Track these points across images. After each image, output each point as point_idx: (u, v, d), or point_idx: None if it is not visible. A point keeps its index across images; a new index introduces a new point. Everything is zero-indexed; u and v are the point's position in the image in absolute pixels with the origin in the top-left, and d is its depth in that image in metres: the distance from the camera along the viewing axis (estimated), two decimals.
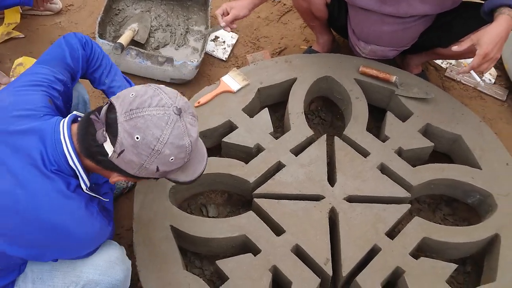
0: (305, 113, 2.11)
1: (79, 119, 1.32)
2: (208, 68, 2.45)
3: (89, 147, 1.23)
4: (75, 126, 1.29)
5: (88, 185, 1.32)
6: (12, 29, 2.46)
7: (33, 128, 1.26)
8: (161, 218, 1.76)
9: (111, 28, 2.40)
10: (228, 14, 2.04)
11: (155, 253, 1.69)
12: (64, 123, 1.28)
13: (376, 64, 2.19)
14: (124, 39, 2.21)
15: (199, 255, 1.93)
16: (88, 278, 1.41)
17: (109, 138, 1.19)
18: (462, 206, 2.04)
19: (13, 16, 2.47)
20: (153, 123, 1.17)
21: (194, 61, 2.27)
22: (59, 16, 2.58)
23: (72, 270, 1.42)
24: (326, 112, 2.33)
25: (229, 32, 2.10)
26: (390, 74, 2.11)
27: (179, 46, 2.45)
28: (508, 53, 2.41)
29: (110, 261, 1.44)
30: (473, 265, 1.90)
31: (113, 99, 1.22)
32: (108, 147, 1.20)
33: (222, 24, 2.04)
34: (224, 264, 1.69)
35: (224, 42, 2.53)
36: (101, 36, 2.26)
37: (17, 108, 1.30)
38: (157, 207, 1.79)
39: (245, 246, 1.77)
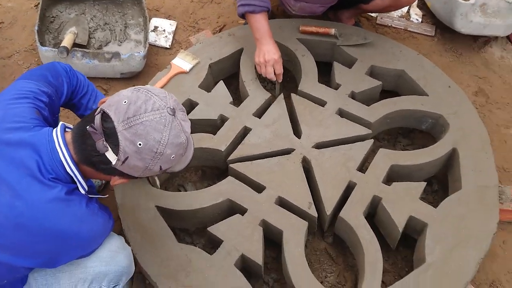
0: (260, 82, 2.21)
1: (67, 129, 1.33)
2: (154, 58, 2.48)
3: (89, 157, 1.26)
4: (68, 135, 1.30)
5: (87, 189, 1.34)
6: None
7: (25, 139, 1.26)
8: (145, 201, 1.80)
9: (49, 36, 2.39)
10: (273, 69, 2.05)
11: (147, 235, 1.73)
12: (57, 132, 1.29)
13: (314, 22, 2.30)
14: (66, 42, 2.21)
15: (187, 231, 1.98)
16: (95, 271, 1.44)
17: (111, 148, 1.22)
18: (418, 134, 2.21)
19: None
20: (152, 127, 1.21)
21: (140, 51, 2.30)
22: None
23: (77, 268, 1.44)
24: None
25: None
26: (329, 27, 2.23)
27: (121, 42, 2.47)
28: None
29: (113, 250, 1.47)
30: (439, 184, 2.06)
31: (105, 107, 1.24)
32: (110, 156, 1.23)
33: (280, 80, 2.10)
34: (216, 229, 1.75)
35: (164, 30, 2.58)
36: (42, 44, 2.24)
37: (7, 121, 1.30)
38: (139, 192, 1.82)
39: (231, 210, 1.84)
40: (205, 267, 1.67)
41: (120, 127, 1.20)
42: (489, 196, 1.80)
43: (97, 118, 1.23)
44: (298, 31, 2.27)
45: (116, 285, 1.48)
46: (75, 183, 1.31)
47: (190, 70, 2.15)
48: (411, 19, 2.65)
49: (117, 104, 1.23)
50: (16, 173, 1.23)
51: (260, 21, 2.00)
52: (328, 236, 1.96)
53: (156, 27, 2.58)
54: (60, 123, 1.35)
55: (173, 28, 2.60)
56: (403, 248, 1.92)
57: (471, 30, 2.44)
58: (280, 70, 2.05)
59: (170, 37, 2.56)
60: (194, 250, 1.71)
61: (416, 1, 2.72)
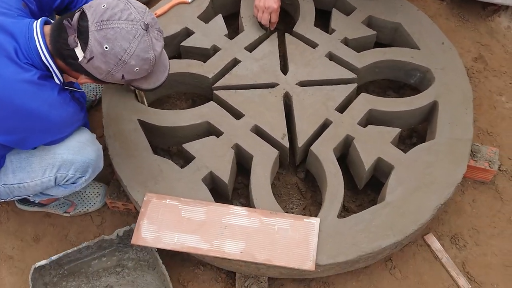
0: (261, 25, 2.26)
1: (48, 23, 1.42)
2: None
3: (60, 49, 1.35)
4: (47, 28, 1.39)
5: (62, 80, 1.44)
6: None
7: (6, 25, 1.36)
8: (129, 114, 1.90)
9: None
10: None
11: (125, 144, 1.84)
12: (37, 23, 1.39)
13: None
14: None
15: (168, 152, 2.08)
16: (63, 158, 1.54)
17: (80, 44, 1.31)
18: (408, 91, 2.22)
19: None
20: (121, 35, 1.30)
21: None
22: None
23: (47, 153, 1.55)
24: (280, 22, 2.43)
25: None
26: None
27: None
28: None
29: (82, 142, 1.57)
30: (418, 138, 2.09)
31: (85, 7, 1.33)
32: (78, 52, 1.32)
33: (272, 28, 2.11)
34: (190, 146, 1.84)
35: None
36: None
37: None
38: (124, 105, 1.92)
39: (208, 134, 1.92)
40: (174, 179, 1.77)
41: (93, 27, 1.29)
42: (460, 149, 1.83)
43: (76, 16, 1.32)
44: None
45: (82, 176, 1.59)
46: (50, 72, 1.41)
47: (192, 1, 2.21)
48: None
49: (96, 6, 1.31)
50: None
51: None
52: (301, 172, 2.02)
53: None
54: (43, 17, 1.44)
55: None
56: (371, 192, 1.97)
57: None
58: (275, 19, 2.06)
59: None
60: (167, 162, 1.81)
61: None
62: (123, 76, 1.38)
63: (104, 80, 1.41)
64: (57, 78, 1.42)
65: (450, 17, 2.53)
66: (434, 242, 1.89)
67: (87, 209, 1.94)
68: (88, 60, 1.32)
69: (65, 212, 1.94)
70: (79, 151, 1.55)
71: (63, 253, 1.72)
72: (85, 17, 1.31)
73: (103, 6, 1.31)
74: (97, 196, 1.94)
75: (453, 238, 1.91)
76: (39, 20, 1.41)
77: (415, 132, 2.13)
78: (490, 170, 1.94)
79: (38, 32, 1.37)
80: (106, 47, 1.30)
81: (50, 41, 1.37)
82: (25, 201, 1.91)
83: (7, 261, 1.87)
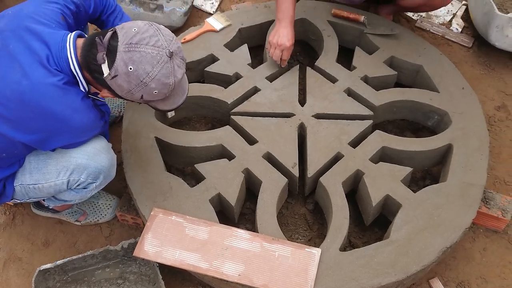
0: None
1: (81, 37, 1.52)
2: (197, 20, 2.66)
3: (89, 63, 1.44)
4: (80, 41, 1.49)
5: (87, 89, 1.52)
6: None
7: (44, 34, 1.46)
8: (147, 131, 1.97)
9: None
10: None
11: (140, 159, 1.90)
12: (71, 35, 1.49)
13: (349, 8, 2.38)
14: None
15: (183, 172, 2.12)
16: (77, 162, 1.61)
17: (107, 62, 1.40)
18: (426, 133, 2.22)
19: None
20: (146, 59, 1.39)
21: (182, 8, 2.49)
22: None
23: (63, 156, 1.62)
24: (305, 56, 2.53)
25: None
26: (359, 14, 2.31)
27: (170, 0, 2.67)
28: (473, 3, 2.60)
29: (97, 148, 1.64)
30: (432, 180, 2.07)
31: (118, 28, 1.43)
32: (105, 68, 1.41)
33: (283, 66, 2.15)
34: (202, 167, 1.88)
35: None
36: None
37: (36, 14, 1.51)
38: (144, 122, 1.99)
39: (222, 156, 1.96)
40: (183, 197, 1.80)
41: (122, 48, 1.38)
42: (471, 194, 1.80)
43: (108, 34, 1.41)
44: (330, 14, 2.36)
45: (93, 182, 1.65)
46: (77, 80, 1.49)
47: (220, 30, 2.30)
48: (451, 27, 2.66)
49: (128, 29, 1.41)
50: (29, 57, 1.42)
51: (287, 3, 2.06)
52: (310, 203, 2.03)
53: None
54: (77, 31, 1.54)
55: None
56: (379, 230, 1.95)
57: (506, 46, 2.41)
58: (286, 56, 2.09)
59: (216, 4, 2.73)
60: (177, 180, 1.85)
61: (462, 12, 2.73)
62: (142, 96, 1.45)
63: (123, 97, 1.49)
64: (82, 86, 1.50)
65: (476, 65, 2.53)
66: (439, 287, 1.85)
67: (98, 220, 1.99)
68: (112, 77, 1.41)
69: (76, 220, 2.00)
70: (93, 156, 1.61)
71: (68, 259, 1.76)
72: (116, 37, 1.40)
73: (134, 29, 1.40)
74: (108, 208, 1.99)
75: (460, 285, 1.86)
76: (74, 33, 1.50)
77: (429, 174, 2.11)
78: (503, 219, 1.90)
79: (71, 43, 1.46)
80: (131, 68, 1.38)
81: (81, 53, 1.46)
82: (40, 206, 1.97)
83: (16, 262, 1.93)
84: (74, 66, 1.46)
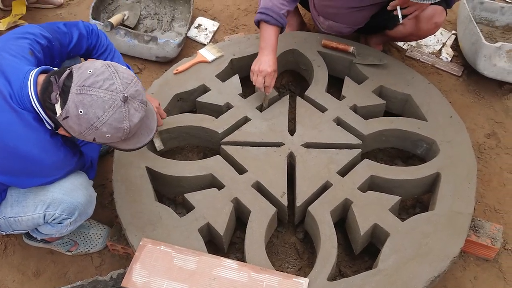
0: (276, 87, 2.38)
1: (45, 72, 1.50)
2: (191, 51, 2.72)
3: (45, 101, 1.43)
4: (42, 77, 1.47)
5: (53, 126, 1.51)
6: (18, 19, 2.77)
7: (7, 70, 1.46)
8: (138, 161, 1.99)
9: (104, 15, 2.70)
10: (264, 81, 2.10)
11: (130, 188, 1.91)
12: (33, 72, 1.47)
13: (338, 39, 2.43)
14: (114, 19, 2.50)
15: (174, 201, 2.14)
16: (53, 196, 1.62)
17: (60, 102, 1.39)
18: (416, 161, 2.23)
19: (19, 8, 2.80)
20: (97, 104, 1.36)
21: (176, 40, 2.54)
22: (61, 8, 2.90)
23: (41, 190, 1.64)
24: (296, 86, 2.57)
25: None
26: (349, 45, 2.36)
27: (165, 31, 2.74)
28: (461, 32, 2.65)
29: (74, 184, 1.65)
30: (422, 209, 2.08)
31: (75, 68, 1.41)
32: (58, 108, 1.40)
33: (268, 93, 2.15)
34: (192, 197, 1.90)
35: (206, 29, 2.81)
36: (94, 19, 2.55)
37: (3, 50, 1.52)
38: (135, 152, 2.00)
39: (212, 186, 1.97)
40: (172, 226, 1.82)
41: (74, 89, 1.36)
42: (459, 222, 1.81)
43: (65, 74, 1.40)
44: (320, 45, 2.41)
45: (68, 218, 1.65)
46: (41, 118, 1.49)
47: (213, 60, 2.34)
48: (441, 56, 2.70)
49: (84, 70, 1.39)
50: None
51: (270, 33, 2.08)
52: (300, 232, 2.03)
53: (199, 25, 2.83)
54: (43, 66, 1.52)
55: (215, 28, 2.83)
56: (369, 259, 1.95)
57: (494, 74, 2.45)
58: (268, 83, 2.09)
59: (210, 35, 2.79)
60: (167, 209, 1.86)
61: (451, 41, 2.78)
62: (94, 139, 1.43)
63: (77, 137, 1.47)
64: (48, 123, 1.50)
65: (466, 93, 2.56)
66: None
67: (89, 250, 2.00)
68: (64, 118, 1.39)
69: (67, 250, 2.00)
70: (70, 192, 1.62)
71: None
72: (71, 78, 1.38)
73: (90, 71, 1.38)
74: (99, 238, 2.00)
75: None
76: (37, 69, 1.49)
77: (419, 202, 2.12)
78: (493, 248, 1.90)
79: (32, 81, 1.45)
80: (81, 111, 1.36)
81: (40, 90, 1.44)
82: (31, 236, 1.98)
83: None
84: (36, 104, 1.45)
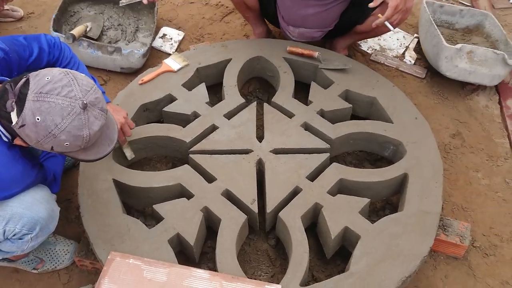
0: (244, 95, 2.37)
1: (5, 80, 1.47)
2: (156, 61, 2.69)
3: (0, 110, 1.38)
4: None
5: (9, 138, 1.47)
6: None
7: None
8: (104, 173, 1.95)
9: (66, 27, 2.65)
10: None
11: (97, 201, 1.87)
12: None
13: (303, 45, 2.45)
14: (75, 31, 2.46)
15: (143, 213, 2.10)
16: (13, 211, 1.56)
17: (16, 110, 1.35)
18: (385, 164, 2.25)
19: None
20: (55, 110, 1.33)
21: (140, 50, 2.51)
22: (21, 22, 2.84)
23: (1, 205, 1.57)
24: (263, 93, 2.57)
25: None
26: (314, 50, 2.37)
27: (129, 42, 2.70)
28: (423, 36, 2.70)
29: (36, 198, 1.60)
30: (392, 210, 2.10)
31: (32, 76, 1.37)
32: (13, 117, 1.36)
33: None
34: (160, 207, 1.87)
35: (171, 38, 2.80)
36: (55, 31, 2.50)
37: None
38: (101, 165, 1.97)
39: (181, 196, 1.94)
40: (141, 238, 1.78)
41: (31, 97, 1.32)
42: (428, 222, 1.83)
43: (21, 82, 1.36)
44: (285, 51, 2.42)
45: (29, 233, 1.59)
46: None
47: (178, 70, 2.33)
48: (404, 59, 2.75)
49: (41, 77, 1.35)
50: None
51: None
52: (271, 238, 2.02)
53: (164, 35, 2.81)
54: None
55: (180, 38, 2.81)
56: (341, 262, 1.95)
57: (456, 75, 2.51)
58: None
59: (176, 45, 2.77)
60: (136, 222, 1.83)
61: (414, 44, 2.83)
62: (52, 147, 1.39)
63: (34, 147, 1.42)
64: (4, 135, 1.46)
65: (430, 95, 2.61)
66: None
67: (55, 267, 1.94)
68: (20, 127, 1.35)
69: (33, 268, 1.94)
70: (30, 206, 1.57)
71: None
72: (27, 85, 1.34)
73: (47, 78, 1.34)
74: (66, 254, 1.94)
75: None
76: None
77: (389, 204, 2.14)
78: (462, 245, 1.93)
79: None
80: (38, 119, 1.32)
81: None
82: None
83: None
84: None
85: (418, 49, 2.82)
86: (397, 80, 2.66)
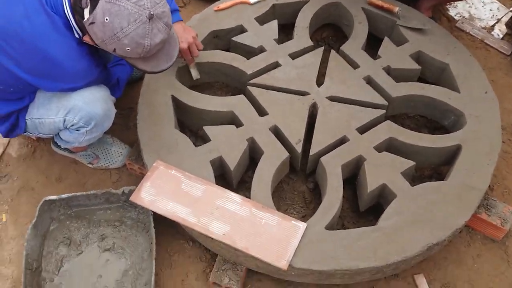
0: (316, 40, 2.35)
1: None
2: None
3: (76, 5, 1.49)
4: None
5: (80, 34, 1.57)
6: None
7: None
8: (165, 89, 2.05)
9: None
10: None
11: (154, 113, 1.98)
12: None
13: None
14: None
15: (196, 134, 2.19)
16: (74, 103, 1.70)
17: (89, 7, 1.45)
18: (442, 133, 2.18)
19: None
20: (123, 15, 1.41)
21: None
22: None
23: (65, 96, 1.72)
24: (336, 41, 2.54)
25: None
26: (395, 5, 2.29)
27: None
28: None
29: (95, 95, 1.73)
30: (438, 179, 2.04)
31: None
32: (86, 13, 1.46)
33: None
34: (209, 129, 1.95)
35: None
36: None
37: None
38: (164, 80, 2.07)
39: (232, 123, 2.01)
40: (186, 154, 1.88)
41: None
42: (470, 197, 1.78)
43: None
44: (366, 2, 2.35)
45: (84, 127, 1.74)
46: (71, 26, 1.55)
47: (254, 3, 2.34)
48: (492, 32, 2.59)
49: None
50: None
51: None
52: (311, 182, 2.06)
53: None
54: None
55: None
56: (374, 219, 1.96)
57: None
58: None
59: None
60: (184, 138, 1.93)
61: (507, 18, 2.65)
62: (114, 49, 1.49)
63: (99, 46, 1.52)
64: (76, 31, 1.57)
65: (510, 73, 2.46)
66: (422, 284, 1.84)
67: (108, 165, 2.10)
68: (90, 23, 1.46)
69: (89, 163, 2.12)
70: (89, 102, 1.70)
71: (72, 194, 1.88)
72: None
73: None
74: (119, 156, 2.10)
75: (445, 286, 1.85)
76: None
77: (438, 173, 2.09)
78: (502, 228, 1.87)
79: None
80: (107, 19, 1.42)
81: None
82: (58, 145, 2.10)
83: (28, 191, 2.08)
84: (67, 9, 1.52)
85: (511, 24, 2.63)
86: (479, 52, 2.52)
